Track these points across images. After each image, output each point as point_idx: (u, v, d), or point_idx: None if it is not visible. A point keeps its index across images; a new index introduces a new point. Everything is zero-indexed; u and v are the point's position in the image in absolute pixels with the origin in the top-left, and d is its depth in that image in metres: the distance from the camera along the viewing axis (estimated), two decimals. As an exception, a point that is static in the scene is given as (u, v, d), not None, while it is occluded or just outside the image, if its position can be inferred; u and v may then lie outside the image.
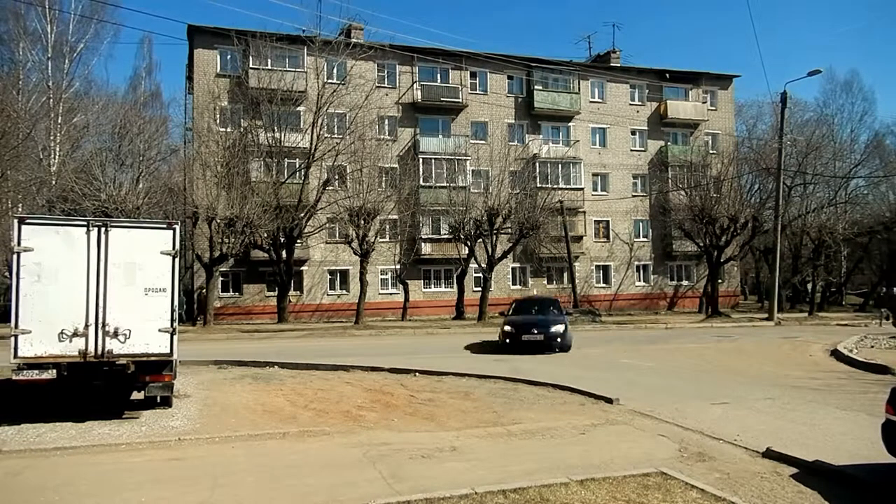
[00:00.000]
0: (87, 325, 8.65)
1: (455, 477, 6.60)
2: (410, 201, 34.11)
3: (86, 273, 8.71)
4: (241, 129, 32.23)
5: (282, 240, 30.44)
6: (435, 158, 36.71)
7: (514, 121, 39.63)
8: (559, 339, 18.38)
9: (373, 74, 36.26)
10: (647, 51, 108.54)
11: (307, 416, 9.76)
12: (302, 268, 34.74)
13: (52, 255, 8.58)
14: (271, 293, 33.56)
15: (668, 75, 42.48)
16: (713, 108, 43.74)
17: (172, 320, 9.04)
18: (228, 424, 9.07)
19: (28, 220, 8.79)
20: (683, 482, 6.38)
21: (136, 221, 11.53)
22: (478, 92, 38.94)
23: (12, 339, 8.40)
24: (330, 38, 33.56)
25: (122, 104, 36.22)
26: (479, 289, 33.03)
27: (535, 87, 39.50)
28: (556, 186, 37.31)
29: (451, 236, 33.29)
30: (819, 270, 40.02)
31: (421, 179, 35.87)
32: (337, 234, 34.25)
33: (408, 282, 34.41)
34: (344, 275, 35.86)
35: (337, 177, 32.73)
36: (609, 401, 10.65)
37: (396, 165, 35.69)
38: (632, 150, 42.04)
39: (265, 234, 29.30)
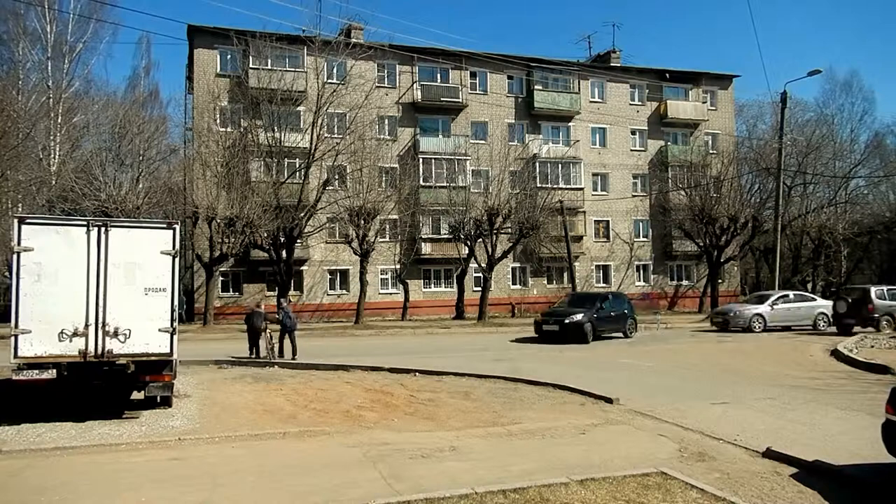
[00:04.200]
0: (87, 325, 8.65)
1: (455, 477, 6.60)
2: (410, 201, 34.10)
3: (86, 273, 8.70)
4: (241, 129, 32.21)
5: (282, 240, 30.42)
6: (435, 158, 36.71)
7: (514, 121, 39.62)
8: (573, 330, 20.67)
9: (373, 74, 36.24)
10: (647, 51, 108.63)
11: (307, 416, 9.76)
12: (302, 268, 34.74)
13: (53, 255, 8.57)
14: (271, 293, 33.52)
15: (668, 75, 42.48)
16: (713, 108, 43.73)
17: (172, 320, 9.04)
18: (228, 424, 9.07)
19: (28, 220, 8.79)
20: (683, 482, 6.38)
21: (136, 221, 11.51)
22: (478, 92, 38.93)
23: (12, 338, 8.40)
24: (330, 38, 33.50)
25: (121, 104, 36.23)
26: (479, 289, 33.03)
27: (535, 87, 39.49)
28: (556, 186, 37.33)
29: (451, 236, 33.30)
30: (819, 270, 40.08)
31: (421, 179, 35.87)
32: (337, 234, 34.24)
33: (408, 282, 34.42)
34: (344, 275, 35.86)
35: (337, 177, 32.71)
36: (609, 401, 10.65)
37: (396, 165, 35.69)
38: (632, 150, 42.04)
39: (265, 234, 29.29)
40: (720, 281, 37.52)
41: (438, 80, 38.19)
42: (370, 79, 35.44)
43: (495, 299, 35.52)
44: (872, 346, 18.89)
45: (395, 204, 33.00)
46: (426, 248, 36.47)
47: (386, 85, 37.30)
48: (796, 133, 40.77)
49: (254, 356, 16.29)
